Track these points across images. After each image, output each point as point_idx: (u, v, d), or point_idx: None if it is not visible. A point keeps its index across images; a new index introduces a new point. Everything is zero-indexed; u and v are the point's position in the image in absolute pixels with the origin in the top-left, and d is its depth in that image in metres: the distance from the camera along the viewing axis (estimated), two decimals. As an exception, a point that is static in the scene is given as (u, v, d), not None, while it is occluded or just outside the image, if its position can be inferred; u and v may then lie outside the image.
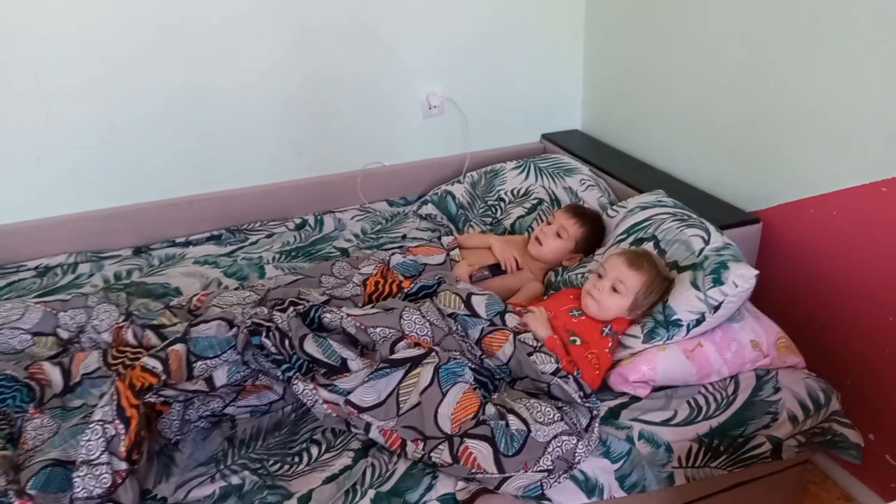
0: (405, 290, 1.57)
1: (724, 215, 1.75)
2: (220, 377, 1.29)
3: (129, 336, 1.48)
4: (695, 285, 1.37)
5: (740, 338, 1.39)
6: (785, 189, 1.66)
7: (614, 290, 1.42)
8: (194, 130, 2.08)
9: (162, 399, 1.23)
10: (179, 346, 1.27)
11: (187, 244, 2.11)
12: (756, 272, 1.33)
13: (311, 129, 2.21)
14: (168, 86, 2.00)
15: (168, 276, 1.91)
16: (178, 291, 1.84)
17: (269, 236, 2.14)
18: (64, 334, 1.55)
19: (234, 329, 1.34)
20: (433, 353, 1.31)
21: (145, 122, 2.02)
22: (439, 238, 1.88)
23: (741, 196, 1.80)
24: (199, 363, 1.29)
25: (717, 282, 1.34)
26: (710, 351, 1.37)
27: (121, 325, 1.51)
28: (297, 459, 1.27)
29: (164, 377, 1.21)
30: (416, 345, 1.36)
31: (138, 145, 2.04)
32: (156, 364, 1.23)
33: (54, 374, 1.42)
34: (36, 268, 1.97)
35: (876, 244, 1.45)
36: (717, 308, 1.35)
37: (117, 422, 1.15)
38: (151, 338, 1.46)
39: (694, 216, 1.60)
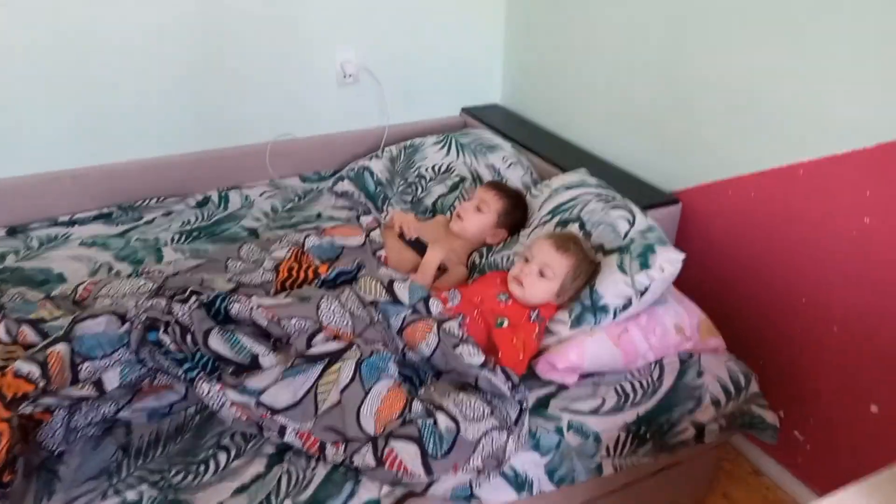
0: (322, 277, 1.46)
1: (645, 195, 1.75)
2: (112, 379, 1.15)
3: (0, 333, 1.29)
4: (622, 269, 1.35)
5: (665, 322, 1.39)
6: (705, 170, 1.67)
7: (541, 274, 1.37)
8: (78, 94, 1.85)
9: (41, 409, 1.08)
10: (61, 347, 1.12)
11: (72, 223, 1.89)
12: (682, 255, 1.33)
13: (214, 94, 2.02)
14: (43, 37, 1.75)
15: (50, 261, 1.70)
16: (62, 278, 1.64)
17: (166, 214, 1.96)
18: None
19: (127, 324, 1.19)
20: (354, 347, 1.22)
21: (18, 81, 1.76)
22: (358, 218, 1.77)
23: (661, 176, 1.81)
24: (86, 365, 1.14)
25: (644, 266, 1.33)
26: (635, 336, 1.35)
27: (-9, 319, 1.31)
28: (202, 468, 1.15)
29: (42, 384, 1.06)
30: (336, 337, 1.26)
31: (10, 109, 1.78)
32: (32, 369, 1.07)
33: None
34: None
35: (791, 226, 1.48)
36: (643, 292, 1.33)
37: (-16, 439, 0.98)
38: (29, 334, 1.27)
39: (618, 197, 1.58)
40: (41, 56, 1.77)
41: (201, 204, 2.02)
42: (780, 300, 1.54)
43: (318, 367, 1.19)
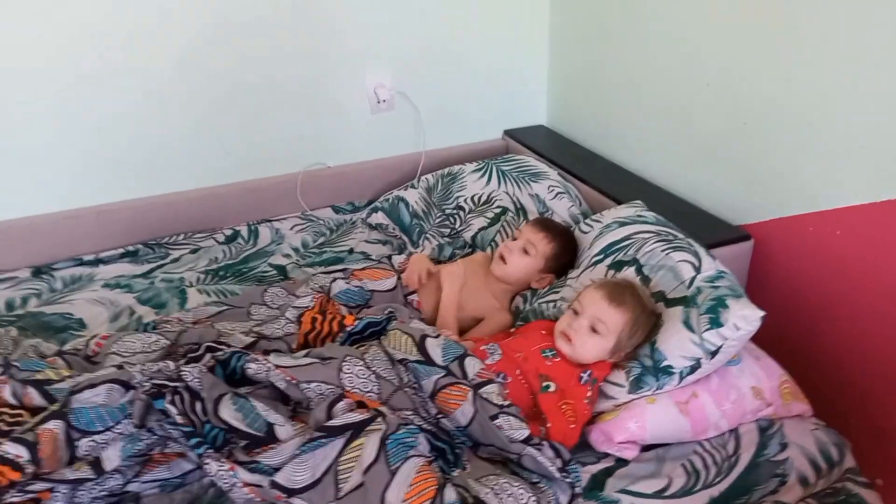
0: (348, 329, 1.33)
1: (711, 230, 1.56)
2: (112, 457, 1.04)
3: (6, 394, 1.19)
4: (688, 326, 1.17)
5: (739, 384, 1.20)
6: (779, 203, 1.47)
7: (593, 329, 1.20)
8: (101, 129, 1.78)
9: (30, 496, 0.97)
10: (55, 424, 1.01)
11: (97, 262, 1.82)
12: (762, 313, 1.14)
13: (242, 124, 1.93)
14: (65, 73, 1.69)
15: (71, 305, 1.63)
16: (82, 324, 1.56)
17: (193, 251, 1.87)
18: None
19: (130, 392, 1.08)
20: (379, 418, 1.07)
21: (40, 117, 1.70)
22: (389, 258, 1.64)
23: (729, 208, 1.61)
24: (85, 441, 1.03)
25: (715, 323, 1.14)
26: (706, 402, 1.17)
27: (-3, 379, 1.22)
28: (213, 553, 1.02)
29: (31, 469, 0.95)
30: (360, 404, 1.12)
31: (32, 145, 1.72)
32: (20, 451, 0.96)
33: None
34: (-90, 294, 1.67)
35: (888, 270, 1.27)
36: (714, 353, 1.15)
37: (-35, 535, 0.88)
38: (34, 397, 1.17)
39: (680, 235, 1.39)
40: (63, 92, 1.71)
41: (230, 239, 1.93)
42: (875, 356, 1.33)
43: (340, 442, 1.05)
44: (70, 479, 0.98)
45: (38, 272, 1.77)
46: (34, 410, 1.14)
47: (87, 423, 1.03)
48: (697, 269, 1.27)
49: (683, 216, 1.57)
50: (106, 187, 1.85)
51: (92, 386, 1.06)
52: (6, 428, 1.14)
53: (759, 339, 1.32)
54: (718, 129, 1.59)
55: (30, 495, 0.96)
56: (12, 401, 1.18)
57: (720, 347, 1.15)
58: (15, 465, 0.93)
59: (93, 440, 1.04)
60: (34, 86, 1.68)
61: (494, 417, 1.10)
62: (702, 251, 1.32)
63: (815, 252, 1.40)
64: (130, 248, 1.86)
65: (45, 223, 1.81)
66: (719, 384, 1.19)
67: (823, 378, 1.43)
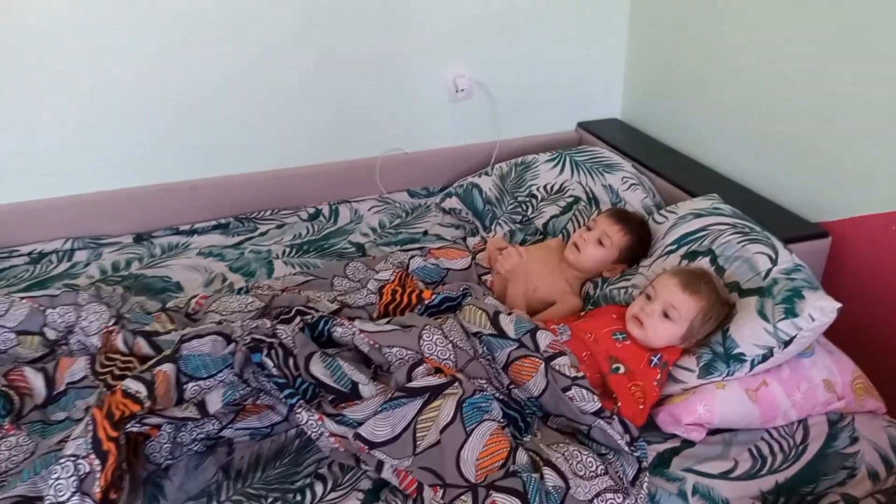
0: (426, 302, 1.40)
1: (787, 226, 1.56)
2: (215, 401, 1.14)
3: (118, 342, 1.32)
4: (762, 315, 1.18)
5: (811, 376, 1.21)
6: (859, 200, 1.46)
7: (666, 315, 1.23)
8: (198, 111, 1.91)
9: (146, 427, 1.08)
10: (168, 367, 1.12)
11: (192, 233, 1.96)
12: (838, 305, 1.14)
13: (326, 111, 2.03)
14: (165, 61, 1.82)
15: (169, 269, 1.76)
16: (179, 287, 1.69)
17: (279, 227, 1.98)
18: (51, 334, 1.41)
19: (232, 345, 1.19)
20: (456, 383, 1.14)
21: (144, 100, 1.85)
22: (464, 239, 1.70)
23: (806, 204, 1.60)
24: (191, 384, 1.14)
25: (790, 313, 1.16)
26: (776, 391, 1.19)
27: (110, 329, 1.36)
28: (298, 497, 1.11)
29: (148, 403, 1.06)
30: (437, 370, 1.19)
31: (131, 125, 1.87)
32: (139, 388, 1.07)
33: (37, 381, 1.28)
34: (30, 253, 1.84)
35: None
36: (788, 343, 1.16)
37: (92, 456, 1.00)
38: (143, 346, 1.31)
39: (757, 228, 1.40)
40: (164, 76, 1.84)
41: (312, 217, 2.03)
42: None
43: (419, 402, 1.12)
44: (179, 416, 1.09)
45: (139, 238, 1.92)
46: (143, 359, 1.27)
47: (193, 368, 1.14)
48: (774, 262, 1.28)
49: (759, 210, 1.57)
50: (199, 164, 1.98)
51: (199, 336, 1.17)
52: (119, 372, 1.28)
53: (833, 334, 1.32)
54: (798, 126, 1.58)
55: (145, 427, 1.07)
56: (124, 349, 1.31)
57: (794, 337, 1.16)
58: (135, 399, 1.05)
59: (198, 385, 1.15)
60: (138, 73, 1.81)
61: (567, 389, 1.15)
62: (779, 244, 1.33)
63: (895, 251, 1.39)
64: (222, 221, 1.99)
65: (145, 194, 1.95)
66: (791, 374, 1.20)
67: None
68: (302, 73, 1.95)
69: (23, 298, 1.44)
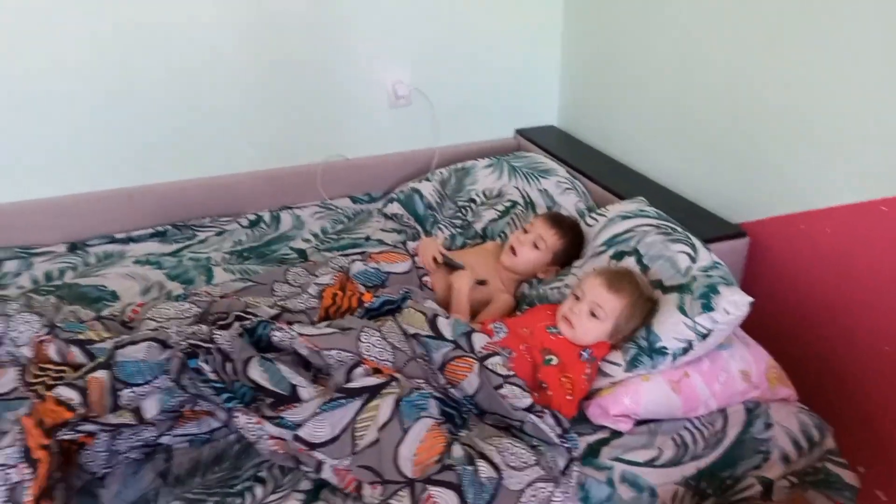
0: (366, 305, 1.42)
1: (709, 227, 1.65)
2: (151, 407, 1.14)
3: (51, 352, 1.30)
4: (682, 310, 1.26)
5: (729, 367, 1.29)
6: (775, 201, 1.56)
7: (593, 314, 1.29)
8: (133, 116, 1.89)
9: (80, 435, 1.07)
10: (102, 374, 1.11)
11: (128, 241, 1.93)
12: (750, 299, 1.22)
13: (267, 117, 2.04)
14: (102, 66, 1.80)
15: (105, 278, 1.73)
16: (115, 296, 1.66)
17: (219, 234, 1.97)
18: (-23, 346, 1.36)
19: (168, 351, 1.18)
20: (394, 383, 1.17)
21: (77, 103, 1.81)
22: (404, 243, 1.73)
23: (727, 207, 1.70)
24: (126, 391, 1.13)
25: (707, 308, 1.23)
26: (696, 382, 1.26)
27: (42, 338, 1.32)
28: (238, 500, 1.12)
29: (81, 411, 1.05)
30: (376, 371, 1.22)
31: (69, 129, 1.83)
32: (72, 395, 1.06)
33: (-38, 394, 1.24)
34: (-45, 264, 1.78)
35: (873, 267, 1.36)
36: (705, 336, 1.24)
37: (22, 465, 0.98)
38: (77, 355, 1.28)
39: (679, 229, 1.48)
40: (97, 81, 1.81)
41: (253, 224, 2.03)
42: (859, 347, 1.41)
43: (357, 402, 1.14)
44: (113, 423, 1.08)
45: (73, 247, 1.88)
46: (77, 368, 1.25)
47: (129, 375, 1.13)
48: (693, 260, 1.36)
49: (683, 213, 1.65)
50: (137, 171, 1.95)
51: (133, 343, 1.17)
52: (52, 382, 1.25)
53: (751, 329, 1.41)
54: (717, 127, 1.68)
55: (78, 434, 1.06)
56: (57, 358, 1.29)
57: (711, 331, 1.24)
58: (68, 406, 1.04)
59: (133, 391, 1.14)
60: (71, 74, 1.78)
61: (499, 387, 1.19)
62: (698, 243, 1.41)
63: (806, 249, 1.49)
64: (159, 229, 1.97)
65: (79, 202, 1.92)
66: (710, 366, 1.28)
67: (812, 368, 1.51)
68: (242, 80, 1.96)
69: (-53, 309, 1.40)
